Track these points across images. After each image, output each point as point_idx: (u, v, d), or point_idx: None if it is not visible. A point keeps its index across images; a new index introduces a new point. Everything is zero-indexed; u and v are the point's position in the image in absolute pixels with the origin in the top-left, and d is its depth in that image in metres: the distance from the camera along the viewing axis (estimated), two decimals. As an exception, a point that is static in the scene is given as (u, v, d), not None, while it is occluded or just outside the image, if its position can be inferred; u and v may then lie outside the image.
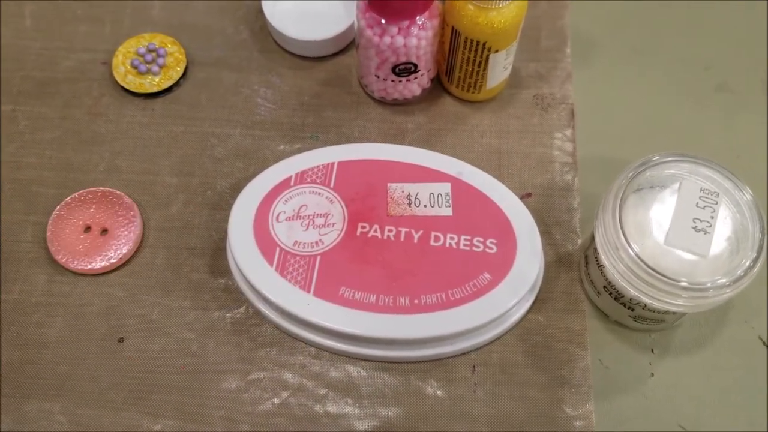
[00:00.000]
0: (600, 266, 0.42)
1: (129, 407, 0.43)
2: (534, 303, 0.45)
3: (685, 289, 0.38)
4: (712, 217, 0.40)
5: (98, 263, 0.46)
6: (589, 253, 0.44)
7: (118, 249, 0.46)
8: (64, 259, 0.46)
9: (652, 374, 0.44)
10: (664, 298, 0.39)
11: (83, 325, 0.45)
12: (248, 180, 0.47)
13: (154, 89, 0.51)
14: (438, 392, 0.43)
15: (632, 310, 0.43)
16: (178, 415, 0.43)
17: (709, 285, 0.38)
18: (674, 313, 0.42)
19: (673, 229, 0.40)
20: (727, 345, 0.45)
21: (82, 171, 0.49)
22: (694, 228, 0.39)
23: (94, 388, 0.43)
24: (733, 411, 0.43)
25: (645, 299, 0.40)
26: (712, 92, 0.53)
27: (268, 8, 0.52)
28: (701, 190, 0.40)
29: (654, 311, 0.41)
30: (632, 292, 0.40)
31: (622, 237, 0.39)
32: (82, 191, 0.48)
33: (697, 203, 0.40)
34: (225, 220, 0.48)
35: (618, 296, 0.42)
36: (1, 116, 0.51)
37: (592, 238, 0.43)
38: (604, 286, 0.43)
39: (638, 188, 0.41)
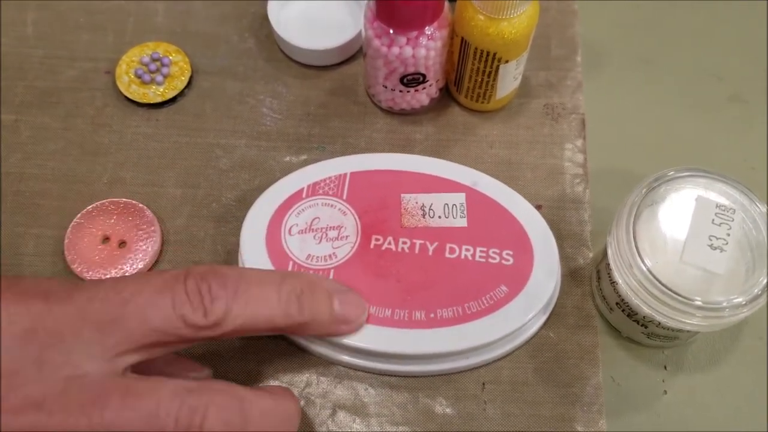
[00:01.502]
0: (613, 282, 0.41)
1: (133, 425, 0.42)
2: (547, 317, 0.45)
3: (699, 308, 0.37)
4: (728, 234, 0.39)
5: (113, 275, 0.45)
6: (601, 268, 0.43)
7: (135, 263, 0.45)
8: (79, 269, 0.45)
9: (665, 392, 0.43)
10: (678, 317, 0.38)
11: (87, 340, 0.44)
12: (254, 192, 0.46)
13: (159, 99, 0.50)
14: (447, 410, 0.43)
15: (645, 327, 0.42)
16: (183, 433, 0.42)
17: (724, 304, 0.37)
18: (689, 330, 0.41)
19: (688, 247, 0.39)
20: (741, 362, 0.44)
21: (86, 182, 0.49)
22: (710, 245, 0.39)
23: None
24: (748, 429, 0.43)
25: (658, 317, 0.39)
26: (725, 102, 0.52)
27: (273, 16, 0.52)
28: (717, 206, 0.39)
29: (668, 329, 0.41)
30: (646, 310, 0.39)
31: (636, 254, 0.38)
32: (104, 201, 0.47)
33: (713, 220, 0.39)
34: (231, 233, 0.47)
35: (631, 313, 0.42)
36: (3, 127, 0.50)
37: (605, 253, 0.42)
38: (617, 303, 0.42)
39: (652, 203, 0.40)
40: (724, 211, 0.39)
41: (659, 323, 0.40)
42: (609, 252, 0.41)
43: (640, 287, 0.39)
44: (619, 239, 0.39)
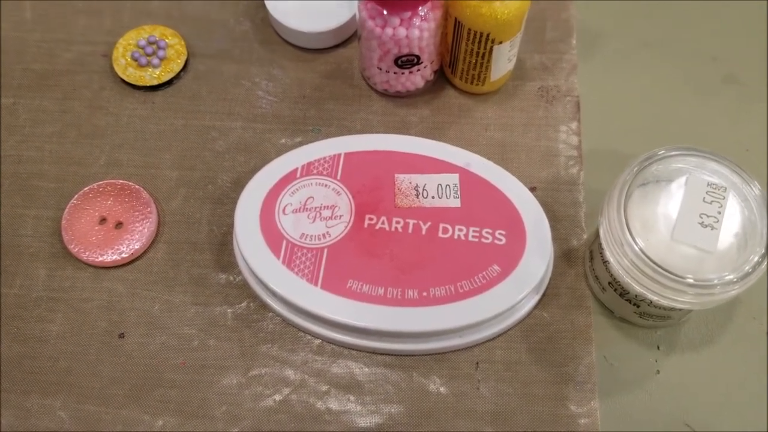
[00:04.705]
0: (605, 262, 0.42)
1: (130, 403, 0.43)
2: (540, 297, 0.45)
3: (691, 285, 0.37)
4: (719, 212, 0.39)
5: (109, 256, 0.46)
6: (594, 248, 0.44)
7: (131, 244, 0.46)
8: (76, 249, 0.46)
9: (658, 371, 0.44)
10: (669, 294, 0.38)
11: (83, 320, 0.45)
12: (249, 174, 0.46)
13: (155, 82, 0.51)
14: (441, 389, 0.43)
15: (638, 306, 0.42)
16: (179, 411, 0.42)
17: (716, 281, 0.37)
18: (680, 309, 0.41)
19: (679, 225, 0.39)
20: (734, 342, 0.44)
21: (83, 164, 0.49)
22: (701, 223, 0.39)
23: (95, 384, 0.43)
24: (740, 409, 0.43)
25: (650, 296, 0.39)
26: (720, 84, 0.52)
27: (269, -1, 0.52)
28: (708, 184, 0.40)
29: (660, 308, 0.41)
30: (637, 288, 0.39)
31: (627, 232, 0.38)
32: (101, 182, 0.48)
33: (704, 198, 0.39)
34: (226, 214, 0.47)
35: (623, 292, 0.42)
36: (1, 109, 0.51)
37: (597, 234, 0.42)
38: (609, 282, 0.42)
39: (644, 183, 0.40)
40: (715, 189, 0.39)
41: (651, 302, 0.40)
42: (601, 231, 0.41)
43: (631, 266, 0.39)
44: (610, 218, 0.39)
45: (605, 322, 0.45)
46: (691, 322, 0.45)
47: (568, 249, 0.46)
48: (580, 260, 0.46)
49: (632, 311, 0.43)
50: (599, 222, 0.41)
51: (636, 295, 0.41)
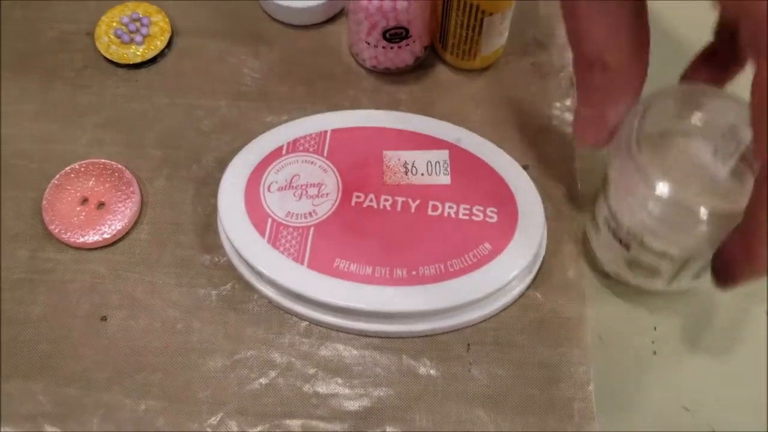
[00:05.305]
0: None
1: (112, 387, 0.42)
2: (533, 277, 0.44)
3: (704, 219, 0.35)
4: (736, 150, 0.37)
5: (91, 237, 0.44)
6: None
7: (113, 225, 0.45)
8: (57, 230, 0.45)
9: (655, 352, 0.43)
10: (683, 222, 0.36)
11: (65, 302, 0.44)
12: (235, 153, 0.45)
13: (138, 60, 0.49)
14: (431, 371, 0.42)
15: (628, 250, 0.40)
16: (163, 395, 0.41)
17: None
18: (672, 259, 0.39)
19: (695, 163, 0.38)
20: (731, 322, 0.43)
21: (65, 144, 0.48)
22: (717, 161, 0.37)
23: (76, 368, 0.42)
24: (738, 391, 0.42)
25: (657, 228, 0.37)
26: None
27: (255, -25, 0.51)
28: (724, 129, 0.38)
29: (652, 252, 0.39)
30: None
31: (638, 177, 0.36)
32: (83, 162, 0.47)
33: (721, 137, 0.38)
34: (211, 194, 0.46)
35: (617, 229, 0.40)
36: (-18, 89, 0.50)
37: (597, 196, 0.41)
38: (605, 218, 0.41)
39: (654, 130, 0.38)
40: (732, 131, 0.38)
41: (642, 241, 0.38)
42: (609, 174, 0.39)
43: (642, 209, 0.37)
44: (621, 166, 0.37)
45: (600, 303, 0.44)
46: (688, 301, 0.44)
47: (560, 227, 0.45)
48: (572, 240, 0.45)
49: (623, 259, 0.41)
50: (606, 165, 0.39)
51: (627, 230, 0.39)
